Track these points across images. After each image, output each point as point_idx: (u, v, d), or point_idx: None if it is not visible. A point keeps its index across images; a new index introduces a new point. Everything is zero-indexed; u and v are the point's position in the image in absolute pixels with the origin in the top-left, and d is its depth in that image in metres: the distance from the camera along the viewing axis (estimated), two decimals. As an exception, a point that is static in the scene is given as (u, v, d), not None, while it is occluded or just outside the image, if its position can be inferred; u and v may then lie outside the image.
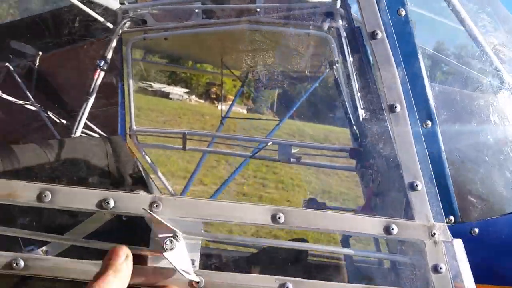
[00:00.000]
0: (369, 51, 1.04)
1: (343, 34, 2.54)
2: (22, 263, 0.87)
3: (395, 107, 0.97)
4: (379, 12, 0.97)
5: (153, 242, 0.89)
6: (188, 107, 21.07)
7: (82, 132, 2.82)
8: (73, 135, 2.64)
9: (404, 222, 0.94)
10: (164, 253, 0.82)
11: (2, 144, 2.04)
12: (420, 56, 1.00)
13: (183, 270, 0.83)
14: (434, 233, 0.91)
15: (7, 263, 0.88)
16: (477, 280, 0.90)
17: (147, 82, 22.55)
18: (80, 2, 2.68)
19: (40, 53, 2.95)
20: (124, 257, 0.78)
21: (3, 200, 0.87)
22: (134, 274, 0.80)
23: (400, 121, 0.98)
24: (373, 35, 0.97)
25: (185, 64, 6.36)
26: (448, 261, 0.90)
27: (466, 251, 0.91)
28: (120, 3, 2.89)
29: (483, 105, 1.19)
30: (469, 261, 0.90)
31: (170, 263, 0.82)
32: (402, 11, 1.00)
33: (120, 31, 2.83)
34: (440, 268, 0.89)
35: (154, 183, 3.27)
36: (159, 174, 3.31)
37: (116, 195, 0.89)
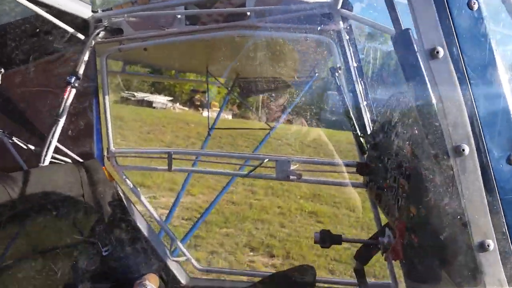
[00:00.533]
0: (424, 72, 0.75)
1: (345, 37, 2.27)
2: None
3: (463, 149, 0.70)
4: (444, 10, 0.69)
5: None
6: (172, 115, 20.72)
7: (53, 157, 2.48)
8: (41, 164, 2.29)
9: None
10: None
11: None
12: (500, 64, 0.72)
13: None
14: None
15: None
16: None
17: (130, 92, 22.14)
18: (47, 11, 2.34)
19: (2, 70, 2.59)
20: None
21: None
22: None
23: (468, 167, 0.71)
24: (432, 54, 0.70)
25: (168, 73, 6.05)
26: None
27: None
28: (92, 11, 2.56)
29: None
30: None
31: None
32: (474, 3, 0.72)
33: (93, 42, 2.50)
34: None
35: (137, 208, 2.95)
36: (142, 198, 2.97)
37: None
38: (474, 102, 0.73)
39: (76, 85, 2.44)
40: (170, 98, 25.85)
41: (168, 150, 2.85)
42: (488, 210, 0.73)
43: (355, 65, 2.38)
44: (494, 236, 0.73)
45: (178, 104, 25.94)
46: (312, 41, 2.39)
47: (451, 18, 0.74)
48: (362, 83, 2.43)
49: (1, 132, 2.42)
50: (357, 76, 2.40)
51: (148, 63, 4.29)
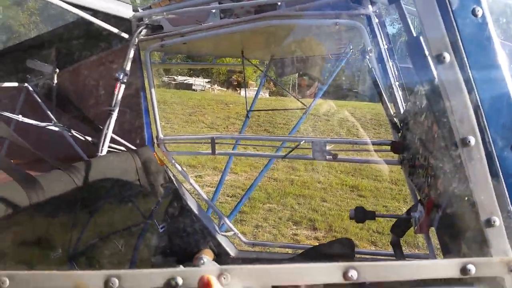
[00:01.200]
0: (433, 74, 0.86)
1: (375, 21, 2.32)
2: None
3: (469, 141, 0.82)
4: (449, 15, 0.79)
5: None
6: (211, 96, 21.05)
7: (109, 147, 2.74)
8: (99, 154, 2.55)
9: (481, 260, 0.85)
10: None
11: (25, 176, 1.96)
12: (504, 61, 0.82)
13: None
14: None
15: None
16: None
17: (170, 76, 22.66)
18: (92, 14, 2.55)
19: (57, 70, 2.86)
20: None
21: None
22: None
23: (474, 156, 0.82)
24: (439, 59, 0.80)
25: (205, 60, 6.23)
26: None
27: None
28: (134, 11, 2.74)
29: None
30: None
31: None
32: (478, 11, 0.81)
33: (136, 40, 2.70)
34: None
35: (187, 189, 3.19)
36: (191, 181, 3.21)
37: (182, 272, 0.85)
38: (479, 100, 0.83)
39: (125, 80, 2.66)
40: (208, 80, 26.27)
41: (211, 136, 3.04)
42: (493, 192, 0.84)
43: (385, 47, 2.43)
44: (500, 214, 0.84)
45: (216, 85, 26.31)
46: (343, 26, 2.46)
47: (456, 26, 0.83)
48: (394, 64, 2.48)
49: (61, 127, 2.70)
50: (388, 57, 2.44)
51: (187, 53, 4.48)
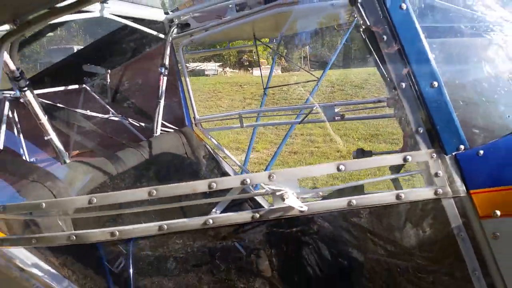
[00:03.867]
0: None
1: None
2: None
3: (402, 85, 1.41)
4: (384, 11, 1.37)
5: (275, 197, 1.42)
6: (225, 79, 21.45)
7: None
8: (155, 134, 3.20)
9: (415, 152, 1.43)
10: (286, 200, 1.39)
11: (108, 153, 2.61)
12: (422, 34, 1.38)
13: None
14: (434, 155, 1.40)
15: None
16: (483, 185, 1.37)
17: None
18: (133, 21, 3.14)
19: (109, 70, 3.49)
20: None
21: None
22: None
23: (406, 94, 1.42)
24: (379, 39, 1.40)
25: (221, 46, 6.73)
26: (444, 169, 1.40)
27: (474, 166, 1.37)
28: (165, 13, 3.33)
29: (480, 50, 1.56)
30: (476, 171, 1.38)
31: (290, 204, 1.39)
32: (403, 5, 1.38)
33: (170, 39, 3.29)
34: (438, 174, 1.40)
35: (223, 159, 3.81)
36: (226, 152, 3.83)
37: (252, 176, 1.43)
38: (407, 61, 1.39)
39: (166, 73, 3.27)
40: (220, 63, 26.70)
41: (238, 112, 3.64)
42: (419, 113, 1.39)
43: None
44: (423, 124, 1.38)
45: (228, 68, 26.71)
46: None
47: (389, 15, 1.40)
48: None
49: (120, 116, 3.35)
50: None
51: (209, 42, 5.02)
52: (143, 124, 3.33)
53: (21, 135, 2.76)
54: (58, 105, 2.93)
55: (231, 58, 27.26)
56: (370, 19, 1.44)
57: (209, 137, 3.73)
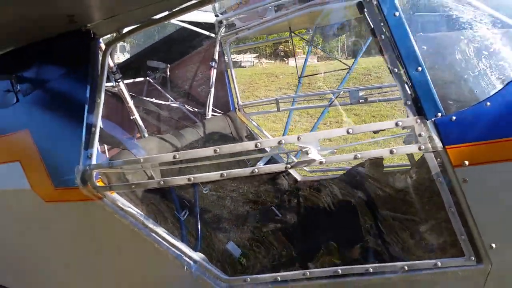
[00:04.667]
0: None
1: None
2: None
3: (394, 69, 1.94)
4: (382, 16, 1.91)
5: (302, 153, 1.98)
6: (261, 70, 21.95)
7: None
8: (207, 117, 3.87)
9: (404, 119, 1.93)
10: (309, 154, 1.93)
11: (174, 132, 3.30)
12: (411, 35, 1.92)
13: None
14: (418, 120, 1.90)
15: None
16: (455, 142, 1.87)
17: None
18: (189, 23, 3.81)
19: (169, 65, 4.19)
20: None
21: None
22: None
23: (399, 78, 1.95)
24: (377, 36, 1.93)
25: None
26: (426, 130, 1.89)
27: (448, 128, 1.86)
28: (215, 16, 3.98)
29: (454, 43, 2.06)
30: (450, 132, 1.87)
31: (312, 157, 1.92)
32: (396, 13, 1.92)
33: (219, 37, 3.94)
34: (421, 134, 1.90)
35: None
36: (265, 133, 4.47)
37: (285, 137, 1.98)
38: (399, 53, 1.93)
39: (216, 66, 3.93)
40: (256, 55, 27.29)
41: (275, 98, 4.25)
42: (407, 88, 1.95)
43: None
44: (411, 98, 1.93)
45: (264, 59, 27.23)
46: None
47: (386, 20, 1.94)
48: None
49: (179, 103, 4.04)
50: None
51: (262, 34, 5.62)
52: (196, 110, 4.01)
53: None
54: (134, 94, 3.67)
55: (267, 49, 27.76)
56: (373, 22, 1.99)
57: (250, 120, 4.36)
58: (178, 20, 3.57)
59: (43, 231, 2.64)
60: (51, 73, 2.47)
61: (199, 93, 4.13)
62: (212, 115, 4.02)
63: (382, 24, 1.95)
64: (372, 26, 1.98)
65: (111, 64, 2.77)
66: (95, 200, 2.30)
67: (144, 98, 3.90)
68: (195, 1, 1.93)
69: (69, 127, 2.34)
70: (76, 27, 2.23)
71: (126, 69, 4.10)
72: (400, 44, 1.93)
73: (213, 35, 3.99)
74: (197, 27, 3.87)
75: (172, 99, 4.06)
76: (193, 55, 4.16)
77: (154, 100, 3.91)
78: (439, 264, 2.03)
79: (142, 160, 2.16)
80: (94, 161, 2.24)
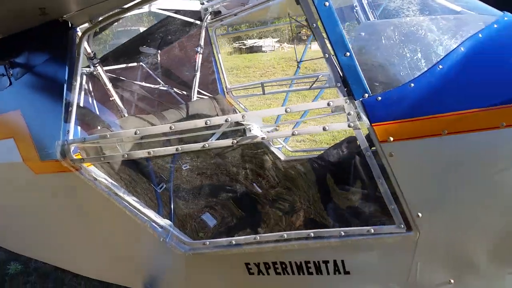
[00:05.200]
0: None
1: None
2: None
3: (326, 55, 2.13)
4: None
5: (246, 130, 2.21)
6: (281, 55, 21.86)
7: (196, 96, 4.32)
8: (192, 100, 4.14)
9: (335, 100, 2.12)
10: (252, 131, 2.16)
11: (155, 113, 3.59)
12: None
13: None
14: (347, 101, 2.09)
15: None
16: (381, 119, 2.05)
17: (240, 42, 23.66)
18: (175, 12, 4.06)
19: (159, 51, 4.47)
20: None
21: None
22: None
23: (330, 62, 2.14)
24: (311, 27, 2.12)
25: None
26: (354, 109, 2.06)
27: (375, 107, 2.05)
28: (200, 4, 4.21)
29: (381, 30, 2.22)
30: (376, 111, 2.05)
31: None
32: (326, 3, 2.10)
33: (205, 24, 4.17)
34: (351, 113, 2.08)
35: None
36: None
37: (233, 116, 2.24)
38: (330, 39, 2.12)
39: (201, 52, 4.17)
40: (277, 39, 27.21)
41: (261, 82, 4.47)
42: (337, 74, 2.14)
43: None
44: (341, 81, 2.13)
45: (285, 43, 27.10)
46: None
47: (317, 10, 2.12)
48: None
49: (167, 86, 4.33)
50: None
51: (246, 21, 5.82)
52: (184, 92, 4.28)
53: (94, 100, 3.85)
54: (119, 77, 3.98)
55: (289, 33, 27.53)
56: (307, 12, 2.18)
57: (238, 102, 4.60)
58: (165, 10, 3.82)
59: (35, 200, 3.01)
60: (36, 59, 2.79)
61: (187, 77, 4.39)
62: (198, 97, 4.27)
63: (313, 13, 2.14)
64: (306, 15, 2.17)
65: (88, 50, 3.08)
66: (73, 171, 2.61)
67: (131, 81, 4.19)
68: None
69: (51, 107, 2.65)
70: (52, 18, 2.52)
71: (120, 55, 4.41)
72: (330, 32, 2.12)
73: (198, 22, 4.22)
74: (183, 14, 4.11)
75: (162, 82, 4.34)
76: (181, 42, 4.41)
77: (143, 83, 4.20)
78: (372, 230, 2.25)
79: (108, 135, 2.45)
80: (71, 137, 2.55)
